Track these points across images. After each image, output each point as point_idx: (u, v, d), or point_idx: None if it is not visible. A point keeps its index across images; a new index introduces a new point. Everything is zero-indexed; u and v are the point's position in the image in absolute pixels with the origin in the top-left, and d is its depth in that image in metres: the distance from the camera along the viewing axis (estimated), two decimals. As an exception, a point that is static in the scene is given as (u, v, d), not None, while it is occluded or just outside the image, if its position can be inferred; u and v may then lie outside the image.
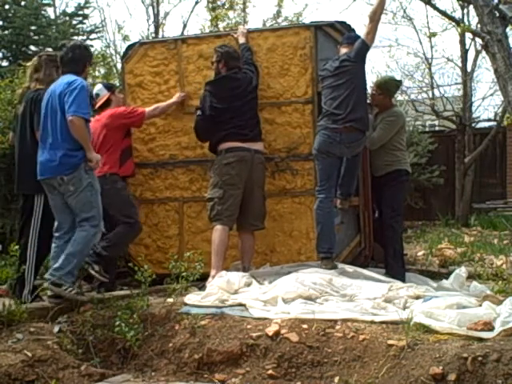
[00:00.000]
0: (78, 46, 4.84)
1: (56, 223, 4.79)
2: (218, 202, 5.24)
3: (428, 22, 14.38)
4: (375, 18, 5.10)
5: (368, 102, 5.59)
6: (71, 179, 4.59)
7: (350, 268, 5.16)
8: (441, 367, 3.30)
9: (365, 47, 5.13)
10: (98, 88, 5.80)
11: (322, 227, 5.15)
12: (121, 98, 5.82)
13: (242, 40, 5.70)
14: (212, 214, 5.28)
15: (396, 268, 5.35)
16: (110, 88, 5.81)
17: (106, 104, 5.68)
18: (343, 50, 5.25)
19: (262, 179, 5.46)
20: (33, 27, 10.85)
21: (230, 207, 5.25)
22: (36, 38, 10.99)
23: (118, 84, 8.97)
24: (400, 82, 6.38)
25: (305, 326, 3.89)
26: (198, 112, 5.45)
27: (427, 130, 15.73)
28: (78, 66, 4.75)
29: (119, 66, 11.25)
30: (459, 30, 9.99)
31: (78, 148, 4.60)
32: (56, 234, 4.78)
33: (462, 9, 11.63)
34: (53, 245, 4.78)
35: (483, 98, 20.41)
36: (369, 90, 5.77)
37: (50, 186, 4.70)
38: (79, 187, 4.61)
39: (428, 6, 9.93)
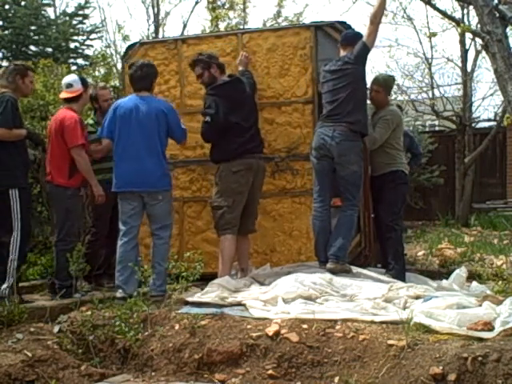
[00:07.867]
0: (145, 64, 5.12)
1: (124, 228, 4.93)
2: (228, 210, 5.13)
3: (428, 22, 14.21)
4: (376, 21, 5.06)
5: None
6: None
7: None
8: (441, 367, 3.30)
9: (365, 50, 5.07)
10: (73, 79, 5.49)
11: (319, 237, 5.12)
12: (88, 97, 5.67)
13: (240, 68, 5.64)
14: (221, 223, 5.16)
15: (396, 268, 5.35)
16: (84, 84, 5.51)
17: (75, 99, 5.41)
18: (342, 52, 5.20)
19: (262, 184, 5.45)
20: (33, 27, 10.86)
21: (237, 215, 5.19)
22: (36, 37, 10.99)
23: (117, 84, 8.96)
24: (394, 77, 6.45)
25: (305, 326, 3.89)
26: (207, 118, 5.14)
27: (427, 130, 15.72)
28: (148, 83, 5.10)
29: (119, 65, 11.25)
30: (459, 30, 9.97)
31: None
32: (125, 239, 4.91)
33: (462, 9, 11.61)
34: (120, 249, 4.91)
35: (483, 98, 20.48)
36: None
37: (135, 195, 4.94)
38: (165, 197, 4.99)
39: (428, 6, 9.91)
